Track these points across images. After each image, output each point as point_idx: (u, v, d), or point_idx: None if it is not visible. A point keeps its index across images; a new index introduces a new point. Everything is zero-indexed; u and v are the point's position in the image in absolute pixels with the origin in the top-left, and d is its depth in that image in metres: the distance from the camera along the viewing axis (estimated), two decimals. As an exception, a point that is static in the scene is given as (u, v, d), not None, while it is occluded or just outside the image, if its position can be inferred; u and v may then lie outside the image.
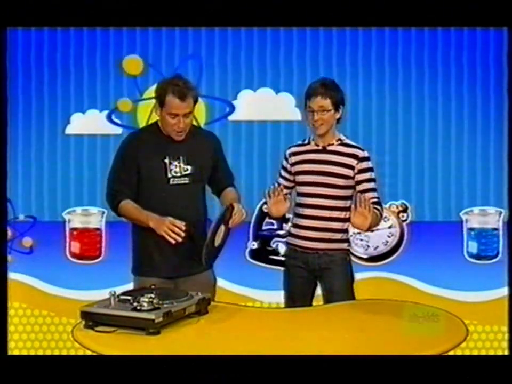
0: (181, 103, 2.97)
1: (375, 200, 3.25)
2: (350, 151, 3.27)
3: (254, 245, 4.28)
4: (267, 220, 4.24)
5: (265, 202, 3.33)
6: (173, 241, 2.91)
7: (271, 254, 4.25)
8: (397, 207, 4.25)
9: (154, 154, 3.07)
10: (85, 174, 4.32)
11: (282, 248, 4.13)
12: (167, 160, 3.07)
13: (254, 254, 4.28)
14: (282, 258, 3.82)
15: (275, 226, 4.24)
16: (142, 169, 3.06)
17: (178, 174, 3.09)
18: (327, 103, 3.22)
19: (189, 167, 3.10)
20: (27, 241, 4.29)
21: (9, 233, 4.15)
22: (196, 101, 3.06)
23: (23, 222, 4.29)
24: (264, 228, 4.27)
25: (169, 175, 3.07)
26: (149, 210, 3.01)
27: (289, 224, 3.48)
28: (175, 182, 3.09)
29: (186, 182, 3.10)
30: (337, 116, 3.28)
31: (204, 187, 3.23)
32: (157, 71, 4.22)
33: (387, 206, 4.21)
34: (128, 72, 4.25)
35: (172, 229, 2.90)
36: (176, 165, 3.08)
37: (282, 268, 3.50)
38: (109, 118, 4.30)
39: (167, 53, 4.30)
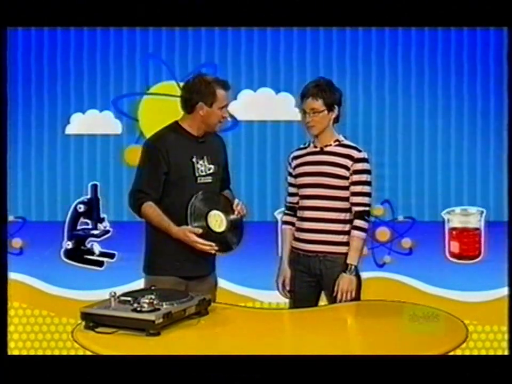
0: (227, 93, 3.13)
1: (360, 208, 3.25)
2: (346, 151, 3.27)
3: (69, 244, 4.26)
4: (82, 219, 4.26)
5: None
6: (207, 250, 3.01)
7: (86, 253, 4.26)
8: None
9: (183, 154, 3.12)
10: (85, 174, 4.32)
11: (97, 248, 4.23)
12: (194, 159, 3.14)
13: (69, 254, 4.27)
14: (98, 258, 4.15)
15: (90, 226, 4.24)
16: (171, 168, 3.10)
17: (204, 173, 3.16)
18: (318, 104, 3.23)
19: (212, 166, 3.18)
20: (16, 242, 4.29)
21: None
22: None
23: (14, 223, 4.28)
24: (78, 227, 4.27)
25: (196, 174, 3.14)
26: (180, 209, 3.04)
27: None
28: (201, 181, 3.15)
29: (210, 180, 3.17)
30: (333, 116, 3.28)
31: (221, 186, 3.28)
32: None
33: None
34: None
35: (196, 241, 2.99)
36: (201, 164, 3.15)
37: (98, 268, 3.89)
38: (114, 104, 4.30)
39: (167, 53, 4.30)
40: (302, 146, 3.42)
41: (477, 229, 4.27)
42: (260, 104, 4.30)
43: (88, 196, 4.23)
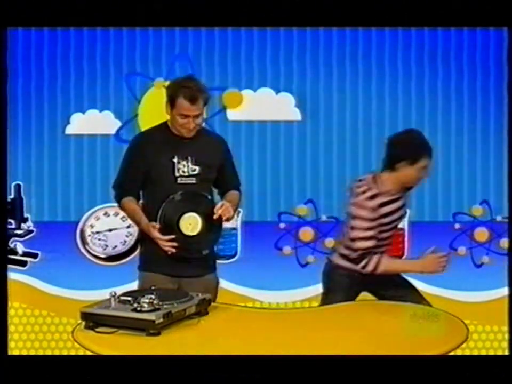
0: (191, 106, 3.03)
1: None
2: None
3: None
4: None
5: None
6: (167, 249, 3.03)
7: (9, 253, 4.23)
8: None
9: (164, 153, 3.12)
10: (85, 174, 4.31)
11: (20, 248, 4.23)
12: (175, 160, 3.12)
13: None
14: (21, 258, 4.15)
15: (13, 226, 4.22)
16: (151, 168, 3.12)
17: (186, 174, 3.14)
18: None
19: (197, 168, 3.15)
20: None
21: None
22: (206, 103, 3.12)
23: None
24: None
25: (176, 174, 3.12)
26: (158, 209, 3.05)
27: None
28: (182, 182, 3.13)
29: (193, 182, 3.14)
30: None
31: (211, 188, 3.26)
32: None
33: None
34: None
35: (157, 237, 3.02)
36: (184, 165, 3.13)
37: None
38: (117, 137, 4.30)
39: (166, 53, 4.30)
40: None
41: (401, 229, 4.23)
42: (260, 104, 4.30)
43: (12, 196, 4.23)
